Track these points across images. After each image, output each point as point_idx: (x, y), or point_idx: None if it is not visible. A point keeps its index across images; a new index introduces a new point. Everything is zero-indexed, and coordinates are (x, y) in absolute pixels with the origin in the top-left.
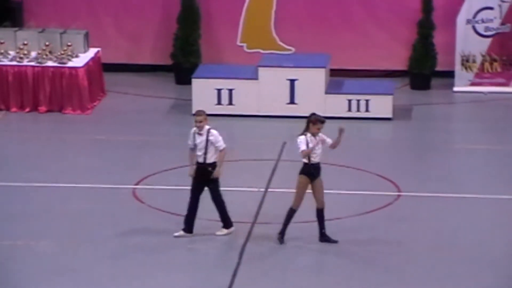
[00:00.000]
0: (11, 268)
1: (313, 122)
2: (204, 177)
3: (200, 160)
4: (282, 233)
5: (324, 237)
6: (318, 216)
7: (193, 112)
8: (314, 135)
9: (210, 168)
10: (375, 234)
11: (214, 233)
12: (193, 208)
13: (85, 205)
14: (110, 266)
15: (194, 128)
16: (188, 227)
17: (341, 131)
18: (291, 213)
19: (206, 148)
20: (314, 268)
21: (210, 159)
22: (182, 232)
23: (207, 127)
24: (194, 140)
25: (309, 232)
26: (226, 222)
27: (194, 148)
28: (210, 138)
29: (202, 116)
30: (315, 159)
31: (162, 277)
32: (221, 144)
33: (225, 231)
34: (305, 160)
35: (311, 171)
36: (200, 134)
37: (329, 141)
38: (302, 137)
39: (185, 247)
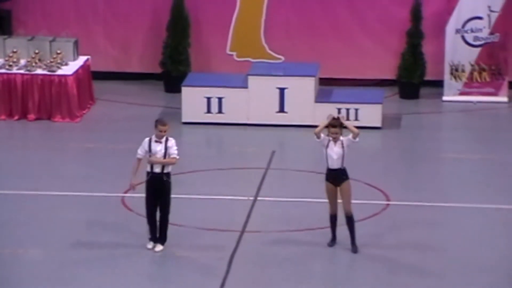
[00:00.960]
0: None
1: (328, 126)
2: (159, 188)
3: (157, 170)
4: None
5: (352, 247)
6: (346, 224)
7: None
8: (333, 140)
9: (165, 178)
10: (365, 242)
11: (153, 250)
12: (153, 221)
13: (74, 213)
14: (98, 275)
15: (149, 138)
16: (154, 236)
17: (340, 118)
18: (330, 219)
19: (165, 156)
20: (302, 272)
21: (168, 168)
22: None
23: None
24: (149, 148)
25: (301, 240)
26: (163, 239)
27: (142, 158)
28: (169, 145)
29: (167, 126)
30: (331, 165)
31: (150, 286)
32: (176, 154)
33: (161, 247)
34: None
35: (329, 176)
36: (159, 142)
37: (349, 138)
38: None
39: (173, 255)
